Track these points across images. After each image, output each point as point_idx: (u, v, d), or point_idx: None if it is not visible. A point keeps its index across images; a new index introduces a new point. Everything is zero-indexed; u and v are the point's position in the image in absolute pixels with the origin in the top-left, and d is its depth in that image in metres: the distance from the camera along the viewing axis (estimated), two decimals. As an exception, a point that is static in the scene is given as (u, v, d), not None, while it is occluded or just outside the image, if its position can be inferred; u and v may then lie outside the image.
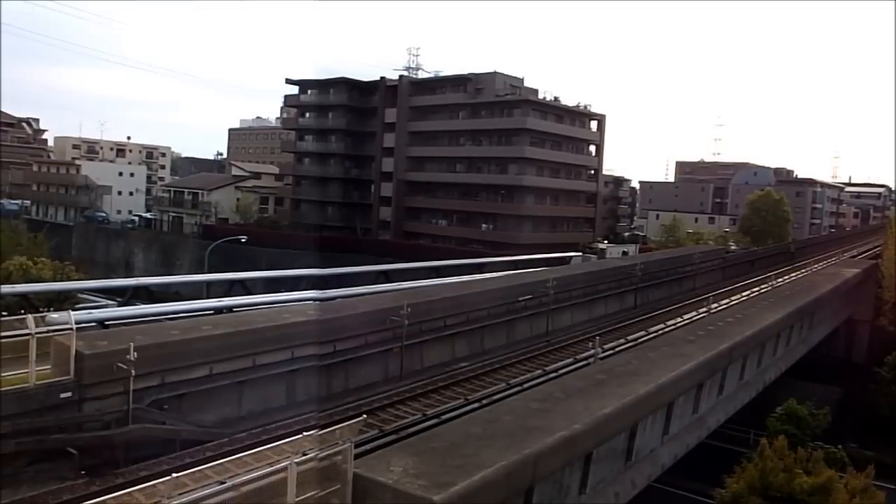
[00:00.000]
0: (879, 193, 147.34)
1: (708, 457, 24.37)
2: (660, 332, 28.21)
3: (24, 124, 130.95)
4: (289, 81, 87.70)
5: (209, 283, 33.86)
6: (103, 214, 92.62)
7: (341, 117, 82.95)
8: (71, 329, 14.37)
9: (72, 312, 15.96)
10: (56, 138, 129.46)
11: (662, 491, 24.04)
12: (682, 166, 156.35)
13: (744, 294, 37.22)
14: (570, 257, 54.42)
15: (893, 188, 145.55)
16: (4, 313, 18.26)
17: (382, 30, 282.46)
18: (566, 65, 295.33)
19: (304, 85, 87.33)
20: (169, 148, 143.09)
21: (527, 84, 79.75)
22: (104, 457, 13.64)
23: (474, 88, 76.86)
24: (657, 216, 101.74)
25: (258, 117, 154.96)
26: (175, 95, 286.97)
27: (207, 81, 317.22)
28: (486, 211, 73.51)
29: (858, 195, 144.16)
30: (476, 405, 18.42)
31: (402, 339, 21.35)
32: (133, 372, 14.00)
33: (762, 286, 38.73)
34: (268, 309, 23.10)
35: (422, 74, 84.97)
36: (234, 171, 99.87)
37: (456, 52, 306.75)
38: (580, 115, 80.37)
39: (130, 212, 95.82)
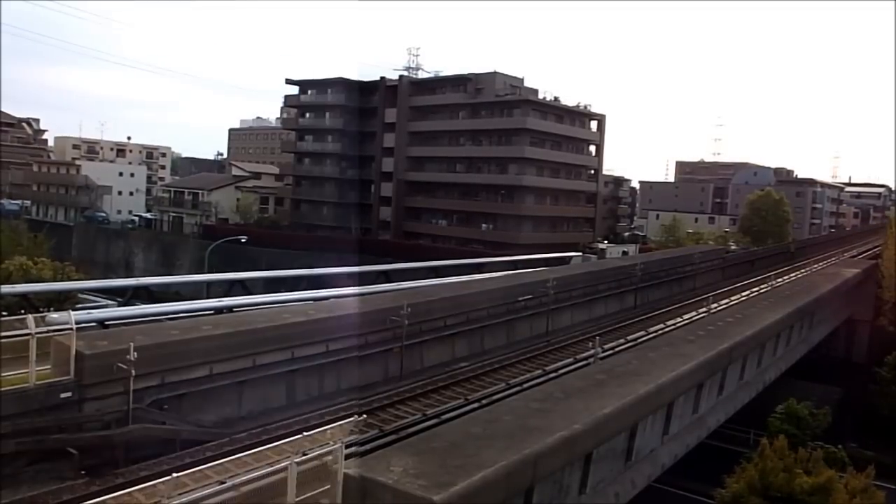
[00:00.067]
0: (879, 193, 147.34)
1: (708, 457, 24.34)
2: (660, 332, 28.19)
3: (25, 124, 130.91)
4: (289, 81, 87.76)
5: (209, 283, 33.88)
6: (103, 214, 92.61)
7: (340, 117, 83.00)
8: (71, 329, 14.39)
9: (72, 312, 16.00)
10: (56, 138, 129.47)
11: (662, 491, 24.02)
12: (682, 166, 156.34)
13: (744, 294, 37.20)
14: (570, 257, 54.43)
15: (893, 188, 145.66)
16: (4, 313, 18.28)
17: (383, 30, 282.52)
18: (566, 65, 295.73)
19: (303, 85, 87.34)
20: (169, 148, 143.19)
21: (527, 84, 79.75)
22: (104, 457, 13.65)
23: (474, 88, 76.85)
24: (657, 216, 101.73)
25: (258, 117, 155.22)
26: (175, 95, 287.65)
27: (207, 81, 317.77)
28: (486, 211, 73.51)
29: (858, 195, 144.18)
30: (476, 405, 18.42)
31: (402, 338, 21.37)
32: (133, 372, 14.01)
33: (762, 286, 38.71)
34: (268, 309, 23.11)
35: (422, 74, 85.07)
36: (235, 172, 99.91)
37: (456, 52, 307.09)
38: (580, 115, 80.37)
39: (130, 212, 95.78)
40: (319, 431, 10.73)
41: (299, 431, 11.58)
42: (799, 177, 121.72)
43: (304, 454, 10.09)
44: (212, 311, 23.51)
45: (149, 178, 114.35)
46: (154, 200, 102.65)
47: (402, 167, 78.54)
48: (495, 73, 77.17)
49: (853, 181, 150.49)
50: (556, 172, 75.84)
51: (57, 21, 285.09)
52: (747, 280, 44.08)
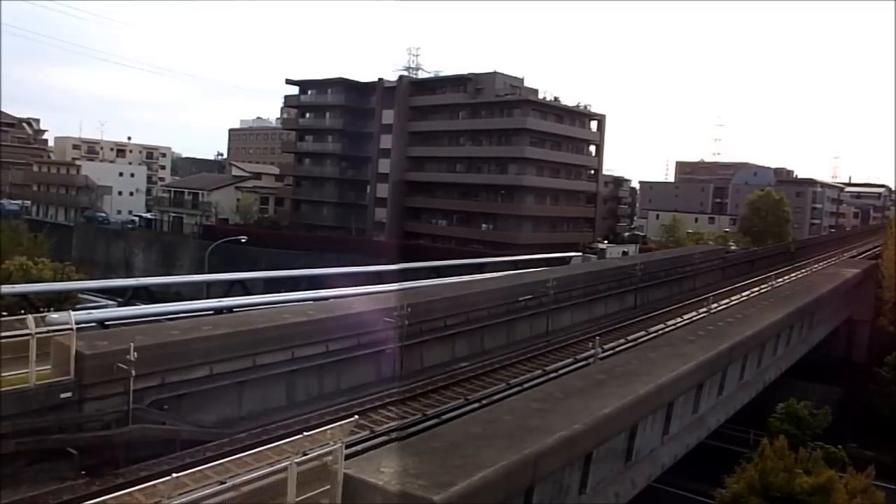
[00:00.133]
0: (879, 193, 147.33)
1: (708, 457, 24.36)
2: (660, 332, 28.23)
3: (25, 124, 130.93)
4: (289, 82, 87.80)
5: (209, 284, 33.88)
6: (103, 215, 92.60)
7: (340, 117, 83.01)
8: (71, 329, 14.37)
9: (72, 312, 15.98)
10: (56, 138, 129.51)
11: (662, 491, 24.04)
12: (682, 166, 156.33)
13: (744, 294, 37.24)
14: (570, 257, 54.44)
15: (893, 188, 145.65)
16: (4, 313, 18.28)
17: (383, 30, 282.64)
18: (566, 65, 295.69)
19: (303, 85, 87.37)
20: (169, 148, 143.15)
21: (527, 84, 79.76)
22: (104, 457, 13.65)
23: (474, 88, 76.86)
24: (657, 216, 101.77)
25: (258, 117, 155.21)
26: (175, 96, 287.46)
27: (207, 81, 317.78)
28: (486, 211, 73.51)
29: (858, 195, 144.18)
30: (476, 405, 18.43)
31: (402, 338, 21.36)
32: (133, 372, 14.01)
33: (762, 286, 38.75)
34: (268, 309, 23.09)
35: (422, 74, 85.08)
36: (235, 172, 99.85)
37: (456, 52, 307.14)
38: (580, 115, 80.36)
39: (130, 212, 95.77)
40: (319, 431, 10.70)
41: (299, 431, 11.55)
42: (799, 177, 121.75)
43: (305, 454, 10.08)
44: (212, 312, 23.51)
45: (149, 178, 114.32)
46: (154, 200, 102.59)
47: (398, 168, 78.50)
48: (495, 73, 77.17)
49: (853, 181, 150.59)
50: (556, 172, 75.83)
51: (57, 21, 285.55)
52: (747, 280, 44.11)
